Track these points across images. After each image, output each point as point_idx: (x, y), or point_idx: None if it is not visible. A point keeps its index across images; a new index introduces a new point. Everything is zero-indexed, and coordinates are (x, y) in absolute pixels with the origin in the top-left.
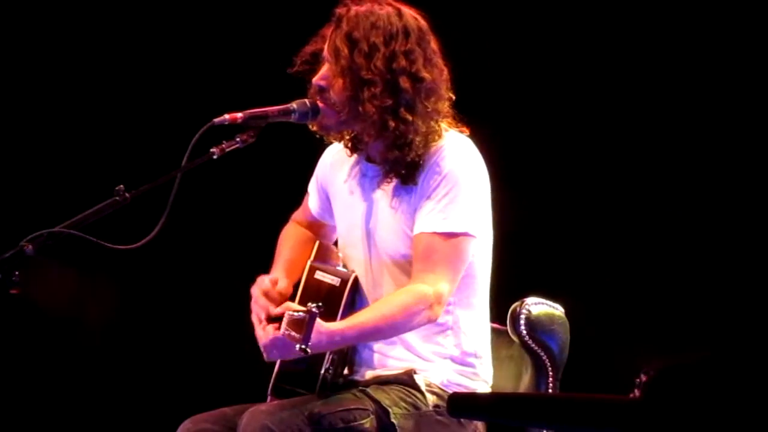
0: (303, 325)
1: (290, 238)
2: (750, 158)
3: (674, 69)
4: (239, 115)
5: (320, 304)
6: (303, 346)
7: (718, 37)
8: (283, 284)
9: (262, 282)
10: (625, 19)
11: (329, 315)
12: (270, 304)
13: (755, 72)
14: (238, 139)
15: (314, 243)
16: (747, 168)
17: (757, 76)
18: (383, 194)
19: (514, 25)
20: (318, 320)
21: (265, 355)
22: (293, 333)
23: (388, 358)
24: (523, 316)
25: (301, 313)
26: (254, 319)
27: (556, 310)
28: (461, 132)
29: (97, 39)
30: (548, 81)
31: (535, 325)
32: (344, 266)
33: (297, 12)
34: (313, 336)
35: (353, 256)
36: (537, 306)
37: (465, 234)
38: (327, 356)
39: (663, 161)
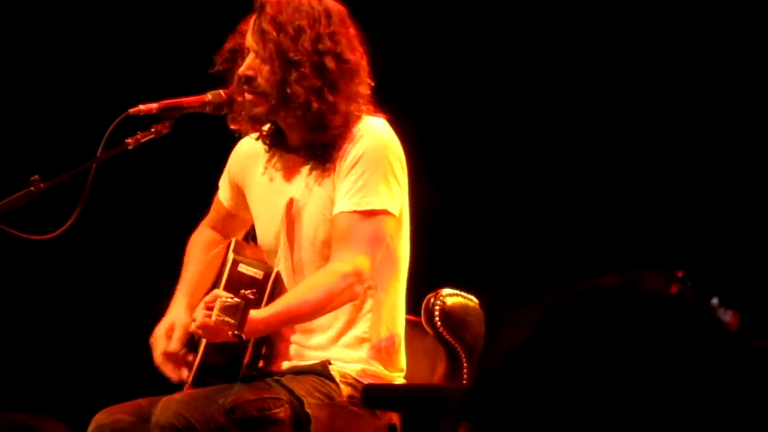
0: (237, 311)
1: (197, 249)
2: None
3: (584, 56)
4: (154, 105)
5: (254, 290)
6: (237, 332)
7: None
8: (179, 330)
9: (157, 342)
10: (539, 7)
11: (253, 306)
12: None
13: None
14: (153, 130)
15: (227, 244)
16: (673, 166)
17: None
18: (302, 181)
19: (435, 14)
20: None
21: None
22: (226, 318)
23: (305, 349)
24: (437, 308)
25: (234, 299)
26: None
27: (471, 301)
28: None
29: (11, 28)
30: (465, 74)
31: (449, 316)
32: (264, 261)
33: (214, 2)
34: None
35: (274, 246)
36: (451, 297)
37: (383, 212)
38: (249, 348)
39: (579, 154)
